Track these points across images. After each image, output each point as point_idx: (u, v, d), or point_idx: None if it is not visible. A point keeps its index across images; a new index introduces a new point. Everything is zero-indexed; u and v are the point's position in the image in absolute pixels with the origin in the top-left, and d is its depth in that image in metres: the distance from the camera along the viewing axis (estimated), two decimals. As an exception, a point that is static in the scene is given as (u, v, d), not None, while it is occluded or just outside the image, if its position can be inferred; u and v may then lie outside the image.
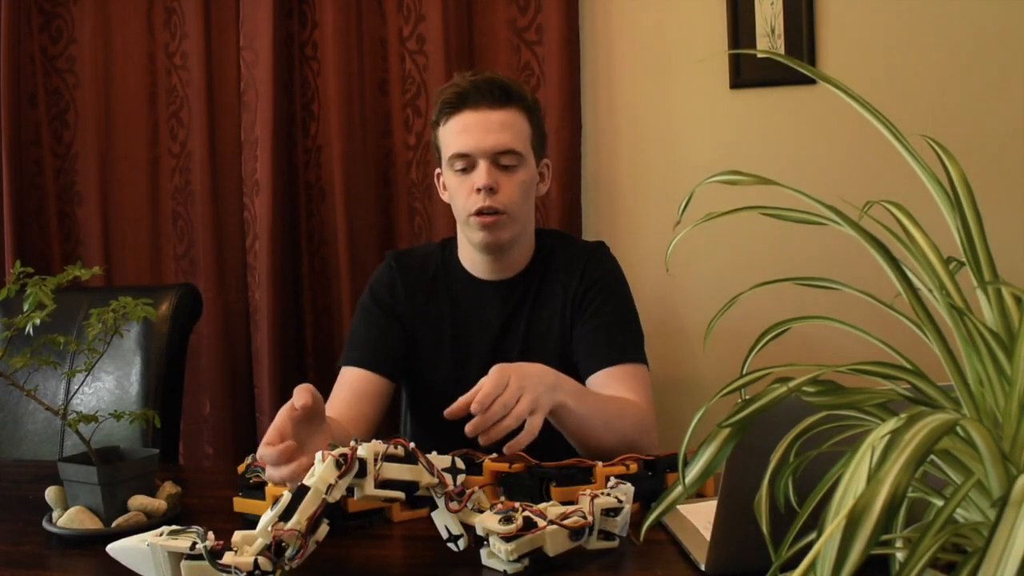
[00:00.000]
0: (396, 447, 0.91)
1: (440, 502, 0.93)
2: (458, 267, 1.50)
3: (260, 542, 0.84)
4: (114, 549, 0.88)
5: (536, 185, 1.46)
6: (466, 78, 1.40)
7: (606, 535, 0.94)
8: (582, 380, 1.40)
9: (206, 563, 0.83)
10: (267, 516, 0.86)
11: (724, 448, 0.59)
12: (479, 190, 1.36)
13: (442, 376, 1.46)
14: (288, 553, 0.84)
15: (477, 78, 1.40)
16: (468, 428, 1.08)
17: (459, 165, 1.39)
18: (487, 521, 0.91)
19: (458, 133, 1.38)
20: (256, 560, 0.83)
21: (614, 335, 1.41)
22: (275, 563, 0.84)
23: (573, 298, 1.45)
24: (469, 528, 0.93)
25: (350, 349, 1.44)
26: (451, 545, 0.94)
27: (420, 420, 1.56)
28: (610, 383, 1.36)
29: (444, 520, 0.94)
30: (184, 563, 0.84)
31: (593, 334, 1.41)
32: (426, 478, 0.92)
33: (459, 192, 1.40)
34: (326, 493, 0.86)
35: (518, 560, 0.89)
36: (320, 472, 0.86)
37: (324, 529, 0.87)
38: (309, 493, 0.85)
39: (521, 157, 1.39)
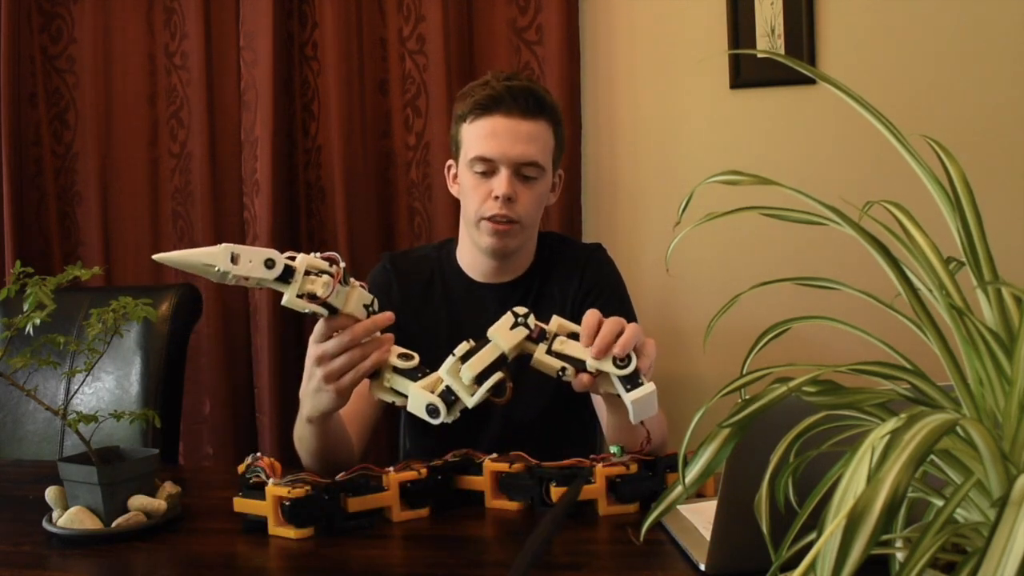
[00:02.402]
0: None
1: (408, 384, 1.07)
2: (456, 269, 1.49)
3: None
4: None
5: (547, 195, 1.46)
6: (500, 81, 1.38)
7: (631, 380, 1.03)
8: None
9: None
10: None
11: (724, 448, 0.59)
12: (497, 197, 1.36)
13: None
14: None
15: (513, 84, 1.38)
16: (596, 348, 1.04)
17: (480, 168, 1.38)
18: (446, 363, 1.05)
19: (485, 136, 1.37)
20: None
21: None
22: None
23: (572, 301, 1.45)
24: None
25: None
26: (433, 420, 1.05)
27: (417, 420, 1.55)
28: None
29: (418, 401, 1.05)
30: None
31: None
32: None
33: (475, 194, 1.39)
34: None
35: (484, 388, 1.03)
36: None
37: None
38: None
39: (542, 170, 1.39)
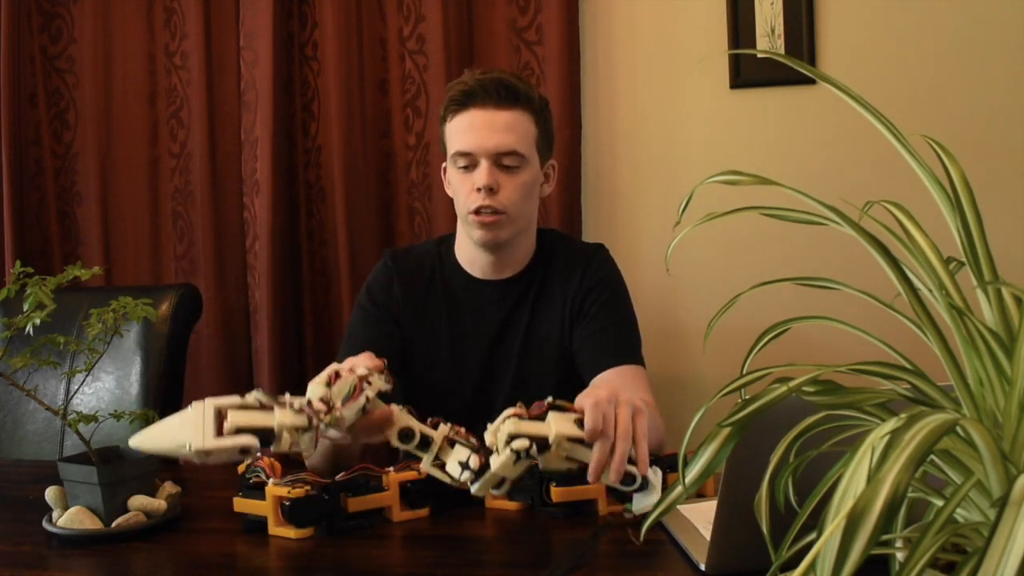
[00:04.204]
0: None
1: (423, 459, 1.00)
2: (456, 266, 1.50)
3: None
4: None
5: (540, 186, 1.46)
6: (474, 76, 1.40)
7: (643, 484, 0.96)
8: (584, 382, 1.40)
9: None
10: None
11: (724, 448, 0.59)
12: (479, 189, 1.37)
13: (439, 375, 1.46)
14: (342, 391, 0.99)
15: (485, 77, 1.40)
16: (591, 475, 0.94)
17: (462, 163, 1.40)
18: (453, 461, 0.98)
19: (463, 131, 1.39)
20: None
21: (617, 337, 1.42)
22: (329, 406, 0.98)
23: (573, 300, 1.45)
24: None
25: (347, 348, 1.44)
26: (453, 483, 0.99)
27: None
28: (617, 384, 1.36)
29: (436, 474, 1.00)
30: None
31: (595, 336, 1.41)
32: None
33: (460, 189, 1.41)
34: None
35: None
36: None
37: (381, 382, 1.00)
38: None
39: (523, 159, 1.39)
